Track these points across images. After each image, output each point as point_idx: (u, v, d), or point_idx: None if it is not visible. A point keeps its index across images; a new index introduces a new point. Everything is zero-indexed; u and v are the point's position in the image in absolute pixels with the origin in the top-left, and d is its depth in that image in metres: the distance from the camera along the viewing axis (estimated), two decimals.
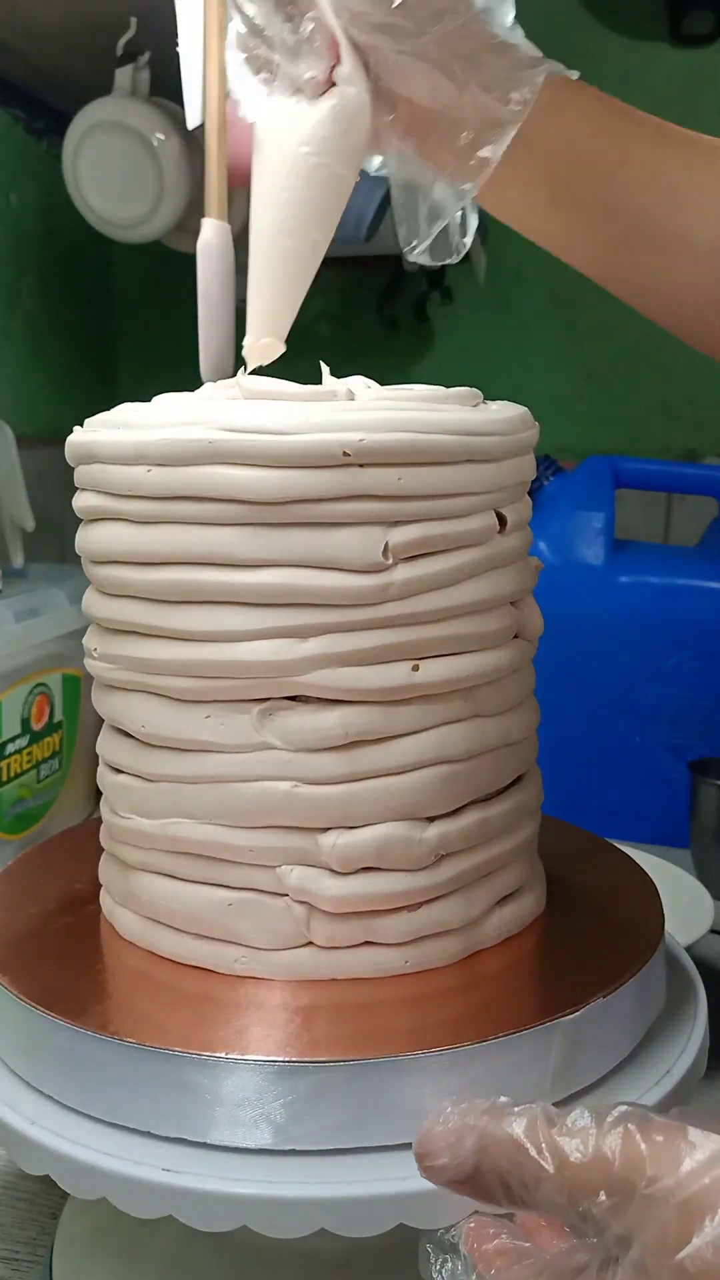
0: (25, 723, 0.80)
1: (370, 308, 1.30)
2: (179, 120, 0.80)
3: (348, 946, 0.41)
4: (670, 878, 0.75)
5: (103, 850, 0.47)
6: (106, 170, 0.89)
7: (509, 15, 0.42)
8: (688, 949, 0.50)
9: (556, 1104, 0.38)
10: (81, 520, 0.44)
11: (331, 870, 0.40)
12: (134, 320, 1.40)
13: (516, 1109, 0.31)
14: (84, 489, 0.43)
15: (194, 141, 0.84)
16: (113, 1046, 0.38)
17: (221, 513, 0.39)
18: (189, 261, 0.71)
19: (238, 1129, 0.36)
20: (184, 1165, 0.36)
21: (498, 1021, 0.38)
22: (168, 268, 0.96)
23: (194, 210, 0.85)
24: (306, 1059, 0.37)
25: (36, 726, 0.82)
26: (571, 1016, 0.38)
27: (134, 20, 0.86)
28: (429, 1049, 0.37)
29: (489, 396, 0.45)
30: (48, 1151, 0.38)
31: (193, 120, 0.72)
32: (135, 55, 0.88)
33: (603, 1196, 0.27)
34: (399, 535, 0.39)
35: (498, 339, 1.33)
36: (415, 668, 0.40)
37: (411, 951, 0.41)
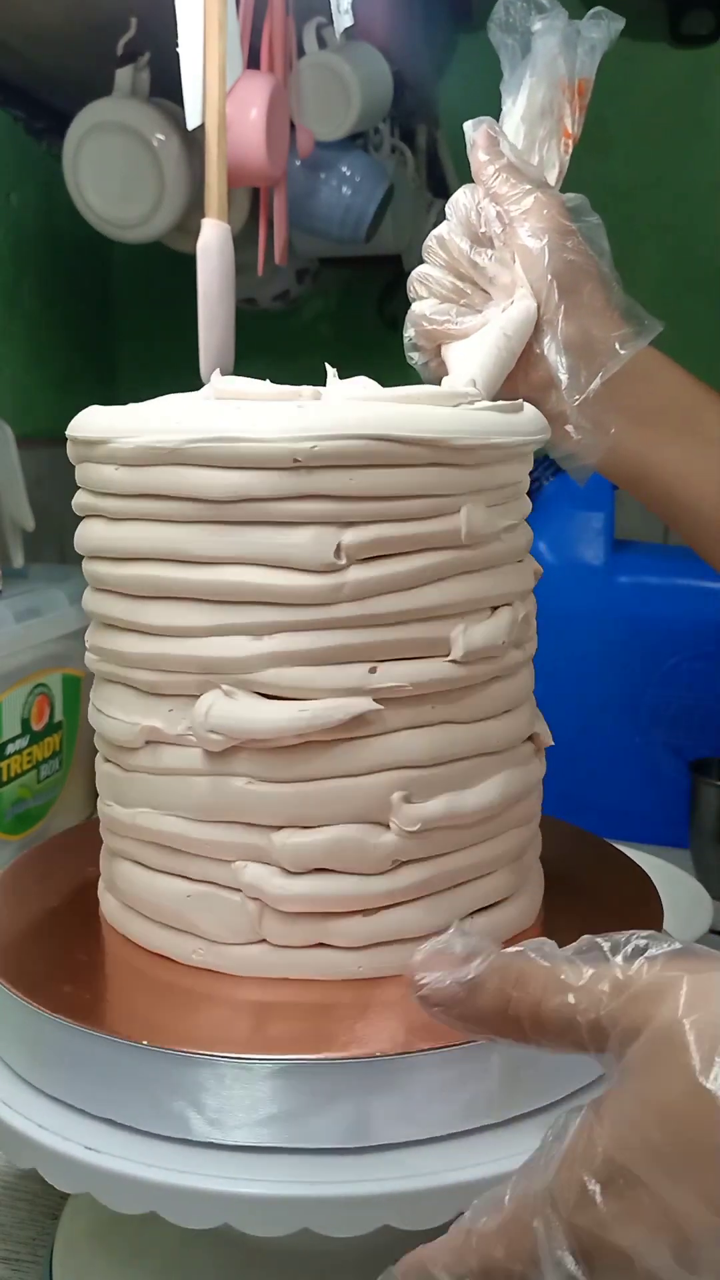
0: (25, 723, 0.80)
1: (370, 308, 1.29)
2: (179, 120, 0.80)
3: (300, 946, 0.41)
4: (670, 878, 0.75)
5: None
6: (106, 170, 0.89)
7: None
8: None
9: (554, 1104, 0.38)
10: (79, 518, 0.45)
11: (283, 869, 0.40)
12: (134, 320, 1.40)
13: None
14: (79, 487, 0.44)
15: (194, 141, 0.84)
16: (98, 1041, 0.38)
17: (181, 510, 0.39)
18: (189, 261, 0.71)
19: (223, 1127, 0.36)
20: (168, 1161, 0.36)
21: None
22: (168, 268, 0.96)
23: (194, 210, 0.85)
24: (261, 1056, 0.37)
25: (36, 726, 0.82)
26: None
27: (134, 20, 0.85)
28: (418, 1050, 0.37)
29: None
30: (35, 1145, 0.38)
31: (193, 120, 0.72)
32: (135, 55, 0.88)
33: (612, 1002, 0.27)
34: (352, 536, 0.39)
35: None
36: (373, 670, 0.40)
37: (366, 956, 0.41)
